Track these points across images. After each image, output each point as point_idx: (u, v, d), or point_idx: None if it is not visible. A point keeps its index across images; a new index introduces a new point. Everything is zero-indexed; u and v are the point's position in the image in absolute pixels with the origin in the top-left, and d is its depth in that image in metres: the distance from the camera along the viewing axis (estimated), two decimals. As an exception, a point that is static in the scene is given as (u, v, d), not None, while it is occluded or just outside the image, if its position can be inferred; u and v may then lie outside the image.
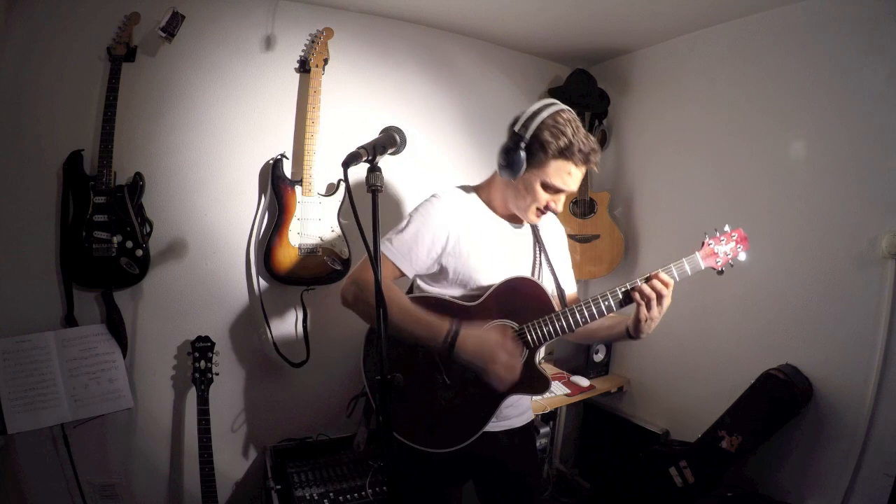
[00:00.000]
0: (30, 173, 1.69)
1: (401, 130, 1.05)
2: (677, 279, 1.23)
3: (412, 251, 1.24)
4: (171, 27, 1.73)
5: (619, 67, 2.65)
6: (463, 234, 1.27)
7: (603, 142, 2.69)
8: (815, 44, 1.84)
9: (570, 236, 2.54)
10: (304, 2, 2.06)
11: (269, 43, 2.00)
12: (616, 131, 2.69)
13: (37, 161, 1.69)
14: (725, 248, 1.29)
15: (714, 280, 2.14)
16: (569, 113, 1.23)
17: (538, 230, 1.41)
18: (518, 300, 1.27)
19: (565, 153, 1.19)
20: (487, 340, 1.18)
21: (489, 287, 1.27)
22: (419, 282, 1.35)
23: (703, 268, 1.27)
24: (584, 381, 2.40)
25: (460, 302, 1.28)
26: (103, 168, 1.68)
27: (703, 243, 1.29)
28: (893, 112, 1.65)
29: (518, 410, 1.40)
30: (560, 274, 1.40)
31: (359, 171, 0.95)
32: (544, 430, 2.35)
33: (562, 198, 1.27)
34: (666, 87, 2.43)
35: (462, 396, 1.24)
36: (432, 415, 1.25)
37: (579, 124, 1.22)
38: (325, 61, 2.01)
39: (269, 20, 1.99)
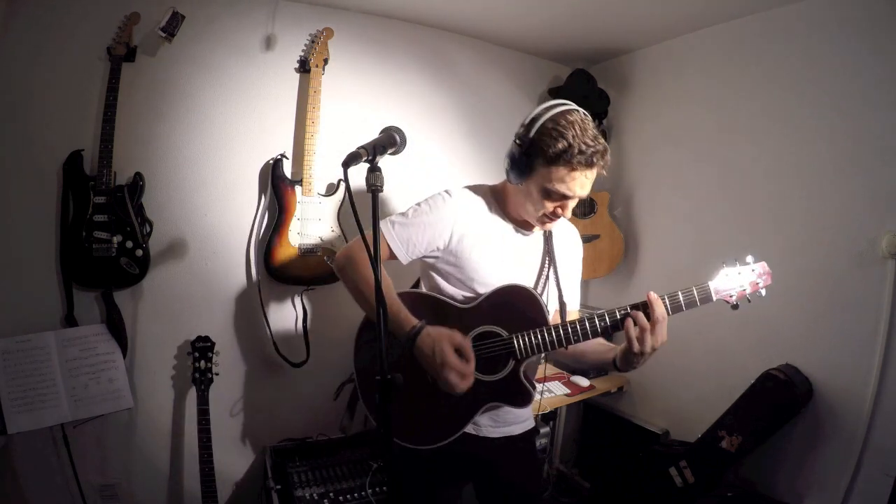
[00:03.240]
0: (30, 173, 1.70)
1: (401, 130, 1.05)
2: (684, 309, 1.13)
3: (411, 240, 1.22)
4: (171, 27, 1.73)
5: (619, 67, 2.65)
6: (467, 234, 1.24)
7: (603, 142, 2.69)
8: (814, 44, 1.84)
9: (570, 236, 2.56)
10: (304, 2, 2.06)
11: (269, 43, 2.00)
12: (616, 131, 2.69)
13: (37, 161, 1.69)
14: (742, 281, 1.16)
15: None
16: (576, 114, 1.15)
17: (552, 241, 1.34)
18: (512, 308, 1.23)
19: (564, 157, 1.11)
20: (441, 343, 1.12)
21: (486, 291, 1.25)
22: (430, 273, 1.31)
23: (714, 299, 1.15)
24: (584, 381, 2.40)
25: (454, 303, 1.26)
26: (103, 168, 1.68)
27: (718, 273, 1.16)
28: (893, 112, 1.65)
29: (519, 418, 1.37)
30: (565, 289, 1.33)
31: (359, 171, 0.95)
32: (544, 430, 2.35)
33: (569, 204, 1.20)
34: (666, 87, 2.43)
35: (444, 397, 1.18)
36: (413, 411, 1.21)
37: (587, 125, 1.14)
38: (326, 61, 2.02)
39: (269, 20, 1.99)
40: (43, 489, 1.72)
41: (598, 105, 2.61)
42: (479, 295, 1.25)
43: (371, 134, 1.07)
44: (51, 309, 1.73)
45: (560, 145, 1.11)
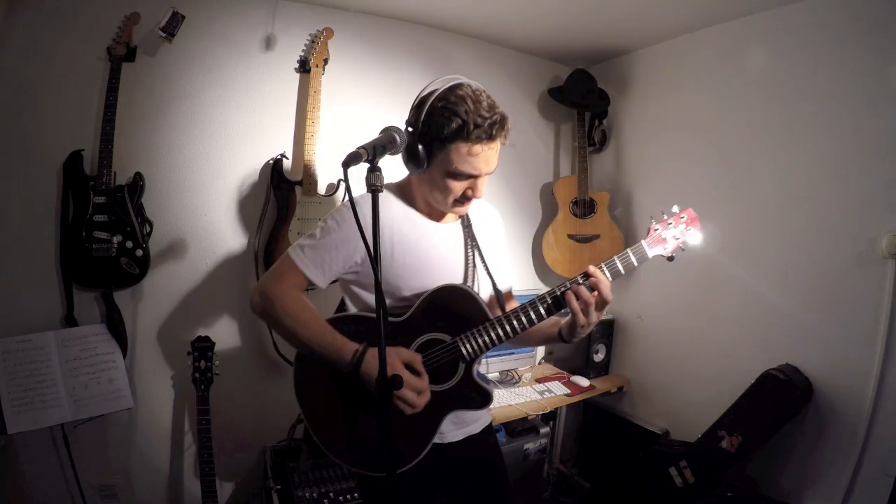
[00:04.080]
0: (30, 173, 1.70)
1: (401, 130, 1.04)
2: (623, 273, 1.13)
3: (325, 262, 1.14)
4: (171, 27, 1.73)
5: (619, 67, 2.65)
6: (384, 239, 1.14)
7: (603, 142, 2.69)
8: (814, 44, 1.84)
9: (570, 236, 2.56)
10: (304, 2, 2.06)
11: (269, 43, 2.00)
12: (616, 131, 2.69)
13: (37, 161, 1.69)
14: (674, 232, 1.17)
15: (714, 280, 2.16)
16: (466, 87, 1.08)
17: (470, 224, 1.28)
18: (448, 310, 1.16)
19: (460, 134, 1.05)
20: (390, 362, 1.05)
21: (417, 297, 1.18)
22: (352, 290, 1.25)
23: (650, 257, 1.16)
24: (584, 381, 2.40)
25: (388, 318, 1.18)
26: (103, 168, 1.68)
27: (648, 229, 1.17)
28: (893, 112, 1.65)
29: (476, 416, 1.32)
30: (496, 274, 1.28)
31: (359, 172, 0.95)
32: (544, 430, 2.35)
33: (479, 183, 1.13)
34: (666, 87, 2.43)
35: (402, 418, 1.10)
36: (373, 439, 1.13)
37: (480, 97, 1.07)
38: (325, 61, 2.02)
39: (269, 20, 1.99)
40: (43, 489, 1.72)
41: (598, 105, 2.62)
42: (410, 303, 1.18)
43: (371, 134, 1.06)
44: (51, 309, 1.73)
45: (454, 124, 1.05)
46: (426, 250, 1.21)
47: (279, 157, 1.96)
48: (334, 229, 1.15)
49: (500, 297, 1.27)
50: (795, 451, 1.85)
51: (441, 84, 1.09)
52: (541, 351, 2.75)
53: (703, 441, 1.93)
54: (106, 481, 1.84)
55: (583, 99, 2.58)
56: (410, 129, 1.11)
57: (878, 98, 1.68)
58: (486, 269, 1.27)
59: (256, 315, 1.20)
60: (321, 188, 2.03)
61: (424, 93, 1.11)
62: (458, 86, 1.09)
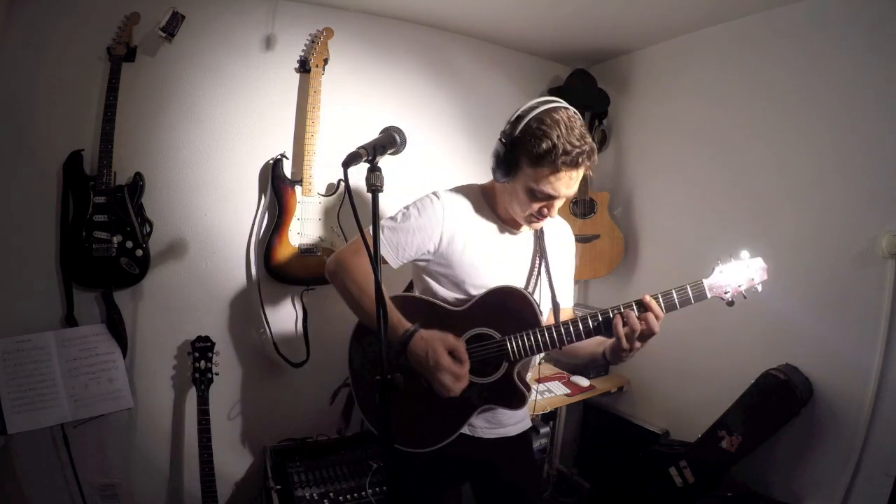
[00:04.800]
0: (30, 173, 1.69)
1: (401, 130, 1.05)
2: (678, 307, 1.14)
3: (401, 244, 1.21)
4: (171, 27, 1.73)
5: (619, 67, 2.65)
6: (457, 235, 1.23)
7: (603, 142, 2.69)
8: (815, 44, 1.84)
9: (570, 236, 2.56)
10: (304, 2, 2.06)
11: (269, 43, 2.00)
12: (616, 131, 2.69)
13: (37, 161, 1.69)
14: (739, 278, 1.16)
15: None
16: (563, 112, 1.12)
17: (543, 238, 1.33)
18: (504, 310, 1.22)
19: (548, 158, 1.09)
20: (435, 345, 1.11)
21: (478, 293, 1.24)
22: (421, 276, 1.31)
23: (708, 297, 1.16)
24: (584, 381, 2.40)
25: (445, 306, 1.25)
26: (103, 168, 1.68)
27: (713, 269, 1.16)
28: (894, 112, 1.65)
29: (514, 419, 1.36)
30: (558, 288, 1.33)
31: (359, 171, 0.95)
32: (544, 430, 2.35)
33: (556, 203, 1.19)
34: (666, 87, 2.43)
35: (439, 400, 1.16)
36: (409, 415, 1.17)
37: (574, 123, 1.11)
38: (326, 61, 2.02)
39: (269, 20, 1.99)
40: (43, 489, 1.72)
41: (598, 105, 2.62)
42: (471, 297, 1.24)
43: (371, 134, 1.06)
44: (51, 309, 1.73)
45: (544, 145, 1.09)
46: (495, 252, 1.27)
47: (279, 156, 1.96)
48: (414, 216, 1.23)
49: (556, 310, 1.31)
50: (795, 452, 1.85)
51: (541, 104, 1.14)
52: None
53: (703, 441, 1.93)
54: (106, 481, 1.84)
55: (583, 99, 2.57)
56: (504, 140, 1.16)
57: (879, 97, 1.68)
58: (549, 281, 1.31)
59: (327, 276, 1.26)
60: (321, 188, 2.03)
61: (523, 109, 1.15)
62: (556, 109, 1.13)
